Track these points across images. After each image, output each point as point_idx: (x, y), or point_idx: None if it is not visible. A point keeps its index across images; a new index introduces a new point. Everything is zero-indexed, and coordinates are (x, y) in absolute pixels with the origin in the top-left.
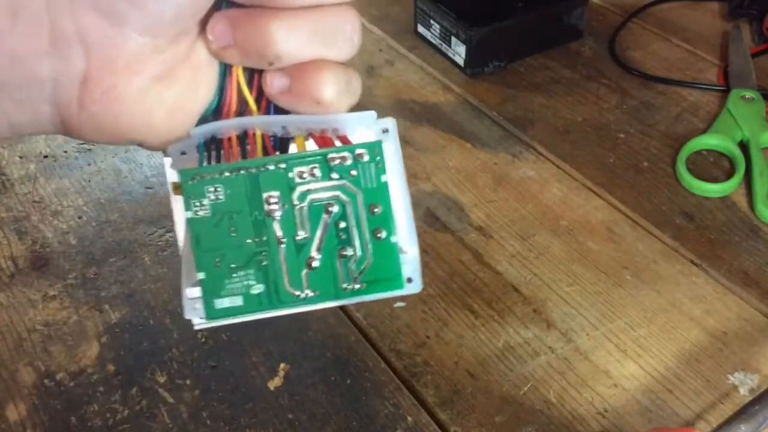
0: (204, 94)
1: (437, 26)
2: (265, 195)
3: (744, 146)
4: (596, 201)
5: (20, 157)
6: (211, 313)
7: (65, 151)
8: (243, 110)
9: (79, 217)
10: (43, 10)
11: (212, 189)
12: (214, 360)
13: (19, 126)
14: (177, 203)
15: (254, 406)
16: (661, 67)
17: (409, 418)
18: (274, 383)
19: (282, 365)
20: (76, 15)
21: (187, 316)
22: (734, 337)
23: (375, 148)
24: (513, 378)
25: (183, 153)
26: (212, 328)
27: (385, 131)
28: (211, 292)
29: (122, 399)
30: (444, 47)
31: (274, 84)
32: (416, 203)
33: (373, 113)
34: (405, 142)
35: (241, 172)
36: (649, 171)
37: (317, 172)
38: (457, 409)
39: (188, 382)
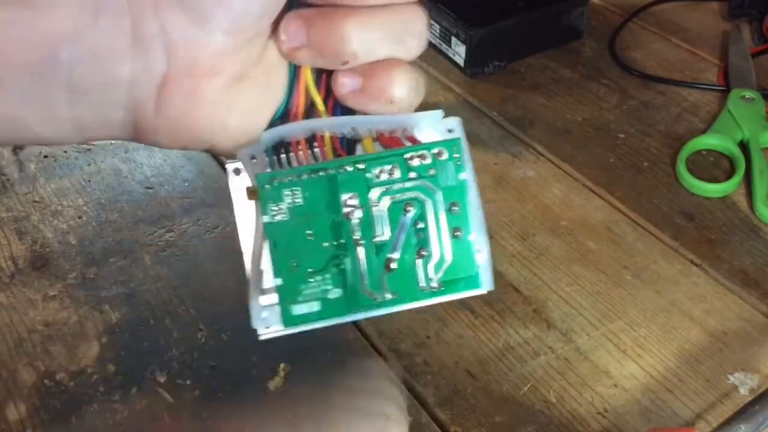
0: (275, 97)
1: (437, 26)
2: (343, 197)
3: (744, 146)
4: (596, 201)
5: (20, 157)
6: (288, 319)
7: (65, 151)
8: (310, 112)
9: (79, 217)
10: (126, 7)
11: (290, 192)
12: (214, 360)
13: (89, 130)
14: (244, 209)
15: (254, 406)
16: (661, 67)
17: (409, 418)
18: (274, 383)
19: (282, 365)
20: (160, 13)
21: (255, 325)
22: (734, 337)
23: (454, 145)
24: (513, 378)
25: (253, 158)
26: (276, 337)
27: (450, 131)
28: (288, 298)
29: (122, 399)
30: (444, 47)
31: (347, 84)
32: None
33: (440, 112)
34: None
35: (320, 173)
36: (649, 171)
37: (396, 172)
38: (457, 409)
39: (188, 382)
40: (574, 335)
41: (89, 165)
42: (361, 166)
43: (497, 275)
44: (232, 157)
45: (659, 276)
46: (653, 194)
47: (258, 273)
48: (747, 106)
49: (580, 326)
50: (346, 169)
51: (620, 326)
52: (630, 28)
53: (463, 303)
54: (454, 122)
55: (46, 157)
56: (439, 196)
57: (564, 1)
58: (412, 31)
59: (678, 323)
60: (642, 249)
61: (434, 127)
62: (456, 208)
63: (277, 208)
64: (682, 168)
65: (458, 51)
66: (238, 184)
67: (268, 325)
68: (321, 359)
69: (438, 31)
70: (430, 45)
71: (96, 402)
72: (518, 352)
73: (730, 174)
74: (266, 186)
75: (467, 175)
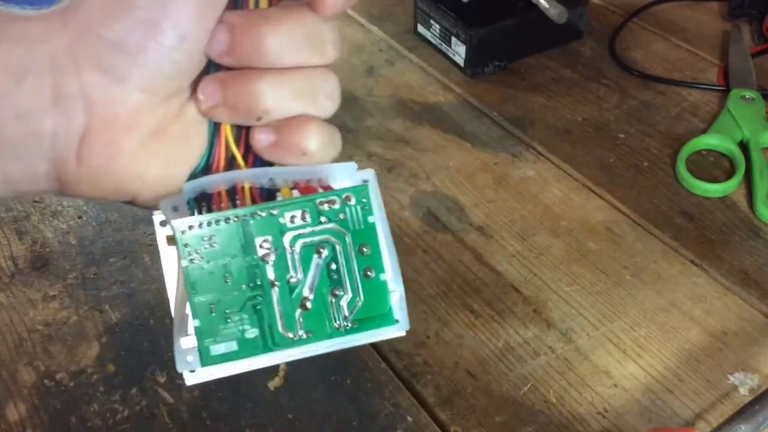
0: (194, 151)
1: (437, 26)
2: (258, 240)
3: (744, 146)
4: (596, 201)
5: None
6: (206, 359)
7: None
8: (231, 165)
9: (79, 217)
10: (48, 69)
11: (207, 238)
12: None
13: (14, 182)
14: (168, 255)
15: (254, 406)
16: (661, 67)
17: (409, 418)
18: (274, 383)
19: (282, 365)
20: (79, 73)
21: (180, 369)
22: (734, 337)
23: (361, 191)
24: (513, 378)
25: (175, 209)
26: (203, 383)
27: (365, 182)
28: (206, 338)
29: (122, 399)
30: (444, 47)
31: (262, 138)
32: (416, 203)
33: (353, 164)
34: (405, 142)
35: (234, 219)
36: (649, 171)
37: (307, 217)
38: (457, 409)
39: None
40: (574, 335)
41: None
42: (274, 211)
43: (497, 275)
44: (157, 208)
45: (659, 276)
46: (653, 194)
47: (182, 317)
48: (747, 106)
49: (580, 326)
50: (260, 215)
51: (620, 326)
52: (630, 28)
53: (463, 303)
54: (369, 174)
55: None
56: (349, 239)
57: (564, 1)
58: (322, 91)
59: (678, 323)
60: (642, 249)
61: (349, 178)
62: (366, 249)
63: (194, 253)
64: (682, 168)
65: (458, 51)
66: (164, 234)
67: (193, 369)
68: (321, 359)
69: (438, 31)
70: (430, 45)
71: (96, 402)
72: (518, 352)
73: (730, 174)
74: (183, 233)
75: (375, 218)
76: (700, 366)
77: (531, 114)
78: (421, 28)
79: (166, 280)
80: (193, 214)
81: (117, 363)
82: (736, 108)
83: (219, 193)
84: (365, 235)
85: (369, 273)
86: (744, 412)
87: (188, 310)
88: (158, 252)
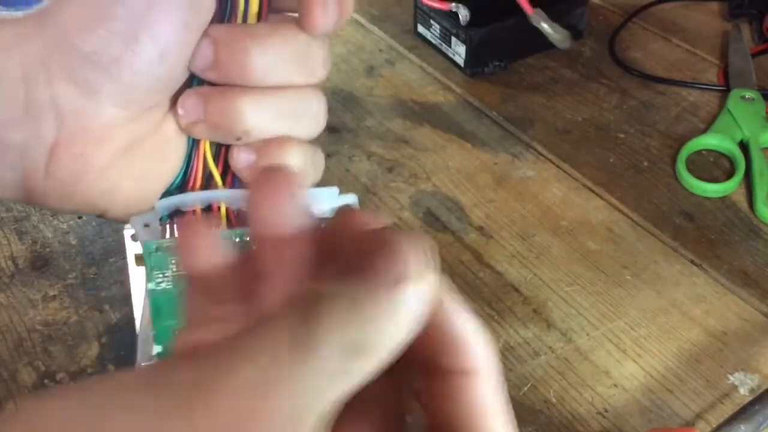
0: (170, 167)
1: (437, 26)
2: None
3: (744, 146)
4: (596, 201)
5: None
6: None
7: None
8: (208, 184)
9: (79, 217)
10: (20, 79)
11: (175, 261)
12: None
13: None
14: (136, 275)
15: None
16: (661, 67)
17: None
18: None
19: None
20: (51, 84)
21: None
22: (734, 337)
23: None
24: (513, 378)
25: (146, 225)
26: None
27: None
28: None
29: None
30: (444, 47)
31: (241, 159)
32: (416, 203)
33: (335, 189)
34: (405, 142)
35: None
36: (649, 171)
37: None
38: None
39: None
40: (574, 335)
41: None
42: (247, 238)
43: (497, 275)
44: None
45: (659, 276)
46: (653, 194)
47: (147, 339)
48: (747, 106)
49: (580, 326)
50: (233, 240)
51: (620, 326)
52: (630, 28)
53: None
54: (351, 198)
55: None
56: None
57: (564, 1)
58: (307, 112)
59: (678, 323)
60: (642, 249)
61: (331, 203)
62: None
63: (162, 276)
64: (682, 168)
65: (458, 51)
66: (134, 251)
67: None
68: None
69: (438, 31)
70: (430, 45)
71: None
72: (518, 352)
73: (730, 174)
74: (152, 254)
75: None
76: (700, 366)
77: (531, 114)
78: (421, 28)
79: (132, 298)
80: (165, 233)
81: (117, 363)
82: (736, 108)
83: (194, 212)
84: None
85: None
86: (744, 412)
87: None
88: (128, 269)
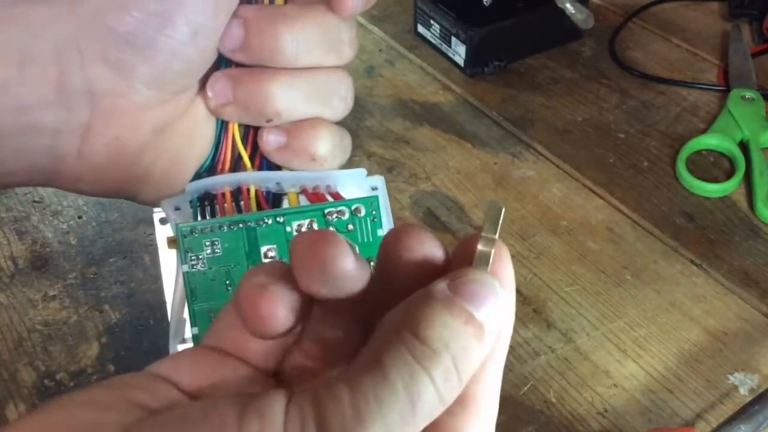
0: (200, 150)
1: (437, 26)
2: (263, 249)
3: (744, 146)
4: (596, 201)
5: None
6: None
7: None
8: (237, 166)
9: (79, 217)
10: (53, 59)
11: (209, 242)
12: None
13: (12, 175)
14: (167, 258)
15: None
16: (661, 67)
17: None
18: None
19: None
20: (85, 66)
21: None
22: (734, 337)
23: (371, 202)
24: (513, 378)
25: (177, 209)
26: None
27: (374, 188)
28: None
29: None
30: (444, 47)
31: (271, 140)
32: (416, 203)
33: (363, 171)
34: (405, 142)
35: (240, 225)
36: (649, 171)
37: (315, 227)
38: None
39: None
40: (574, 335)
41: None
42: (280, 219)
43: None
44: (159, 206)
45: (659, 276)
46: (653, 194)
47: (179, 322)
48: (747, 106)
49: (580, 326)
50: (266, 222)
51: (620, 326)
52: (630, 28)
53: None
54: (378, 181)
55: None
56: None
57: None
58: (336, 93)
59: (678, 323)
60: (642, 249)
61: (358, 185)
62: (374, 263)
63: (196, 258)
64: (682, 168)
65: (458, 51)
66: (164, 233)
67: None
68: None
69: (438, 31)
70: (430, 45)
71: None
72: (518, 352)
73: (730, 174)
74: (186, 236)
75: (384, 231)
76: (700, 366)
77: (531, 114)
78: (421, 28)
79: (163, 281)
80: (196, 215)
81: (117, 363)
82: (736, 108)
83: (223, 195)
84: (374, 249)
85: None
86: (744, 412)
87: (186, 315)
88: (158, 251)
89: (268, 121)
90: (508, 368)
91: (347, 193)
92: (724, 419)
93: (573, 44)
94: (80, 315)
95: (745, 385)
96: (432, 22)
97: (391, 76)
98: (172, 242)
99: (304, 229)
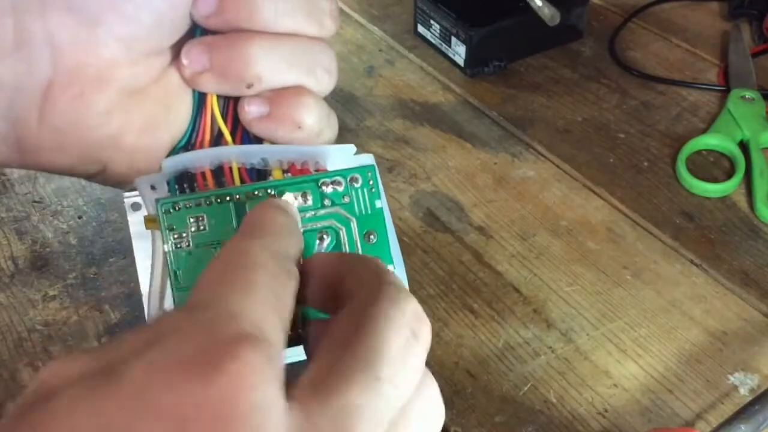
0: (176, 124)
1: (437, 26)
2: None
3: (744, 146)
4: (596, 201)
5: None
6: None
7: None
8: (217, 142)
9: (79, 217)
10: (9, 6)
11: (194, 218)
12: None
13: None
14: (141, 241)
15: None
16: (661, 67)
17: None
18: None
19: None
20: (46, 14)
21: None
22: (734, 337)
23: (368, 171)
24: (513, 378)
25: (153, 187)
26: None
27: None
28: None
29: None
30: (444, 47)
31: (252, 109)
32: (416, 203)
33: (352, 146)
34: (405, 142)
35: (227, 199)
36: (649, 171)
37: (309, 199)
38: (457, 409)
39: None
40: (574, 335)
41: None
42: (271, 191)
43: (497, 275)
44: (130, 189)
45: (659, 276)
46: (653, 194)
47: (156, 306)
48: (747, 106)
49: (580, 326)
50: (255, 195)
51: (620, 326)
52: (630, 28)
53: (463, 303)
54: (367, 158)
55: None
56: (355, 225)
57: (564, 1)
58: (320, 63)
59: (678, 323)
60: (642, 249)
61: (346, 162)
62: (373, 237)
63: (179, 236)
64: (682, 168)
65: (458, 51)
66: (137, 219)
67: None
68: None
69: (438, 31)
70: (430, 45)
71: None
72: (518, 352)
73: (730, 174)
74: (169, 211)
75: (382, 203)
76: (700, 366)
77: (531, 114)
78: (421, 28)
79: (138, 274)
80: (173, 193)
81: None
82: (736, 108)
83: (203, 173)
84: (372, 221)
85: None
86: (744, 412)
87: (167, 305)
88: (131, 241)
89: (249, 86)
90: (508, 368)
91: (332, 168)
92: (724, 419)
93: (573, 44)
94: (80, 315)
95: (745, 385)
96: (432, 22)
97: (391, 76)
98: (150, 221)
99: (297, 202)
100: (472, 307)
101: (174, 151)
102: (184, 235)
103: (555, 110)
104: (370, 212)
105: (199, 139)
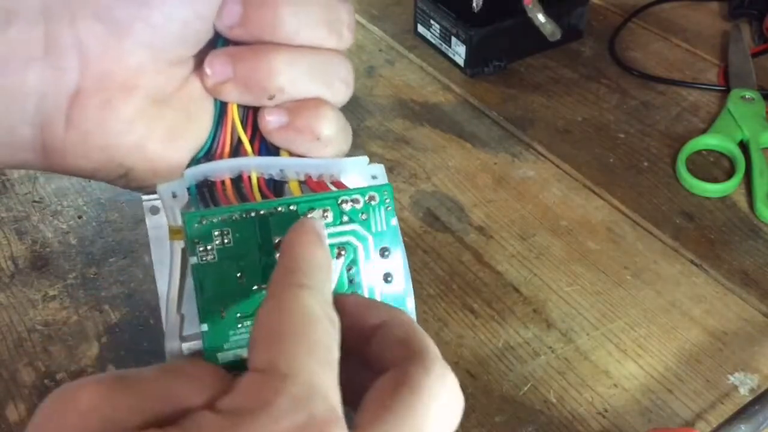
0: (197, 131)
1: (437, 26)
2: (276, 239)
3: (744, 146)
4: (596, 201)
5: None
6: None
7: None
8: (237, 152)
9: (79, 217)
10: (39, 14)
11: (219, 232)
12: None
13: None
14: (160, 248)
15: None
16: (661, 67)
17: None
18: None
19: None
20: (75, 23)
21: None
22: (734, 337)
23: (384, 190)
24: (513, 378)
25: (174, 195)
26: None
27: (374, 177)
28: (214, 346)
29: None
30: (444, 47)
31: (273, 120)
32: (416, 203)
33: (365, 158)
34: (405, 142)
35: (252, 214)
36: (649, 171)
37: (329, 216)
38: None
39: None
40: (574, 335)
41: None
42: (293, 207)
43: (497, 275)
44: (149, 192)
45: (659, 276)
46: (653, 194)
47: (177, 318)
48: (747, 106)
49: (580, 326)
50: (278, 210)
51: (620, 326)
52: (630, 28)
53: (463, 303)
54: (378, 169)
55: None
56: (371, 242)
57: (564, 1)
58: (338, 75)
59: (678, 323)
60: (642, 249)
61: (359, 173)
62: (387, 253)
63: (204, 249)
64: (682, 168)
65: (458, 51)
66: (157, 223)
67: None
68: None
69: (438, 31)
70: (430, 45)
71: None
72: (518, 352)
73: (730, 174)
74: (195, 225)
75: (396, 221)
76: (700, 366)
77: (531, 114)
78: (421, 28)
79: (156, 275)
80: (195, 202)
81: (117, 363)
82: (736, 108)
83: (223, 182)
84: (387, 238)
85: (388, 278)
86: (744, 412)
87: (184, 311)
88: (149, 243)
89: (270, 98)
90: (508, 368)
91: (348, 182)
92: (724, 419)
93: (573, 44)
94: (80, 315)
95: (745, 385)
96: (432, 22)
97: (391, 76)
98: (176, 233)
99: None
100: (472, 307)
101: (195, 159)
102: (210, 247)
103: (555, 110)
104: (386, 229)
105: (220, 147)
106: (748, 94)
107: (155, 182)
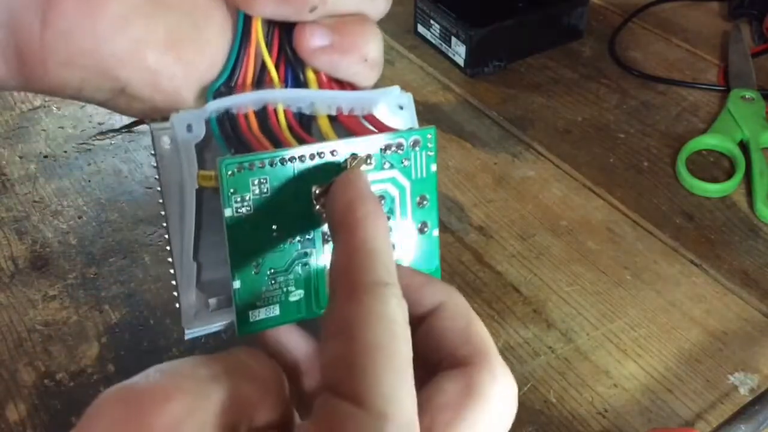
0: (205, 48)
1: (437, 26)
2: (315, 189)
3: (744, 146)
4: (596, 201)
5: (20, 157)
6: (244, 327)
7: (65, 151)
8: (259, 81)
9: (79, 217)
10: None
11: (257, 181)
12: None
13: None
14: (174, 197)
15: None
16: (661, 67)
17: None
18: None
19: None
20: None
21: (186, 325)
22: (734, 337)
23: (429, 134)
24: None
25: (189, 128)
26: (201, 336)
27: (401, 107)
28: (246, 303)
29: None
30: (444, 47)
31: (315, 39)
32: None
33: (396, 87)
34: None
35: (289, 160)
36: (649, 171)
37: (372, 161)
38: None
39: None
40: (574, 335)
41: (89, 165)
42: (334, 152)
43: (497, 275)
44: (162, 117)
45: (659, 276)
46: (653, 194)
47: (193, 265)
48: (747, 106)
49: (580, 326)
50: (319, 155)
51: (620, 326)
52: (630, 28)
53: None
54: (406, 98)
55: (46, 157)
56: (409, 189)
57: (564, 1)
58: None
59: (678, 323)
60: (642, 249)
61: (388, 103)
62: (425, 201)
63: (240, 200)
64: (682, 168)
65: (458, 51)
66: (169, 162)
67: (197, 325)
68: None
69: (438, 31)
70: (430, 45)
71: None
72: (518, 352)
73: (730, 174)
74: (230, 173)
75: (437, 166)
76: (700, 366)
77: (531, 114)
78: (421, 28)
79: (169, 230)
80: (222, 142)
81: (117, 363)
82: (736, 108)
83: (246, 115)
84: (426, 185)
85: (424, 228)
86: (744, 412)
87: (202, 257)
88: (157, 162)
89: (312, 10)
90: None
91: (379, 115)
92: (724, 419)
93: (573, 44)
94: (80, 315)
95: (745, 385)
96: (432, 22)
97: (391, 76)
98: (207, 179)
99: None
100: (472, 307)
101: (213, 87)
102: (246, 197)
103: (555, 110)
104: (425, 176)
105: (242, 73)
106: (748, 94)
107: (157, 103)
